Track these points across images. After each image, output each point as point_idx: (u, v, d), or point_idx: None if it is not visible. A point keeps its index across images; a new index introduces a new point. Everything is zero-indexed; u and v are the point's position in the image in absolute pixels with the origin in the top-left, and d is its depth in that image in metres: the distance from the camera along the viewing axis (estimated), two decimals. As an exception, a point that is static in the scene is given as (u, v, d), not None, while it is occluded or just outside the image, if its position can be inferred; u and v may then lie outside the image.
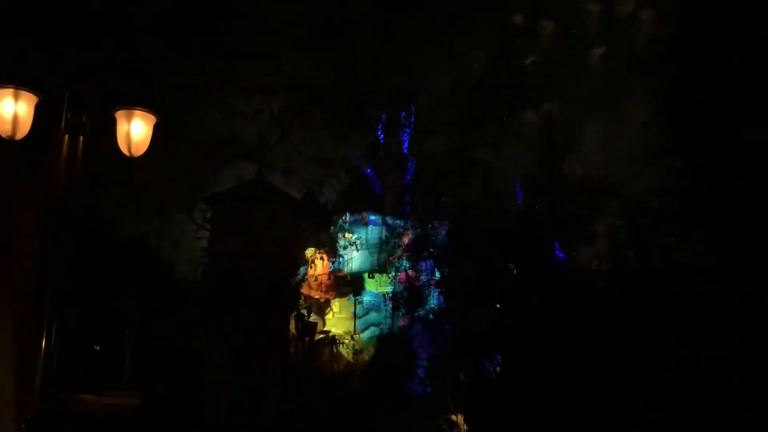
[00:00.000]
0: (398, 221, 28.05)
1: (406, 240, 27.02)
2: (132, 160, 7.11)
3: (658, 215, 21.39)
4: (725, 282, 18.84)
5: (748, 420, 16.74)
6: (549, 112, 26.47)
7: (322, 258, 28.10)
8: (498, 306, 23.33)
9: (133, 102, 7.03)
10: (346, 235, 28.25)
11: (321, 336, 27.29)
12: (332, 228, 28.21)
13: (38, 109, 6.64)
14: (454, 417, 22.98)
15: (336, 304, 29.62)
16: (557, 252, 25.24)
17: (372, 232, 29.68)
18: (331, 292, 28.78)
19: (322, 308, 28.53)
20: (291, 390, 16.88)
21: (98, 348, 26.99)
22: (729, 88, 17.66)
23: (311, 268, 28.53)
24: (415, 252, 25.66)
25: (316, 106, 13.92)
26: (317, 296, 28.67)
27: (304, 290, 27.80)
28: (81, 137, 6.70)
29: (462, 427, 22.89)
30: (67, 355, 6.60)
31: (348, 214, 28.53)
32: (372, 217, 29.10)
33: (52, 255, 6.29)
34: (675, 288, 20.14)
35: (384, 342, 25.40)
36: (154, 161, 9.23)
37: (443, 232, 25.36)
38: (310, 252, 28.25)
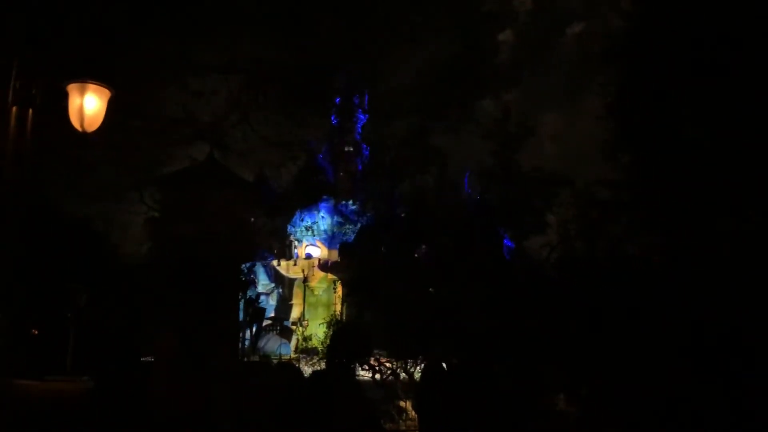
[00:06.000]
0: (352, 207, 27.97)
1: (358, 226, 26.95)
2: (82, 136, 6.86)
3: (607, 207, 21.78)
4: (668, 275, 19.34)
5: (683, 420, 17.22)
6: (507, 102, 26.69)
7: None
8: (449, 294, 23.47)
9: (87, 75, 6.75)
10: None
11: (269, 322, 27.04)
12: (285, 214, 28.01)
13: (-17, 79, 6.30)
14: (402, 403, 23.07)
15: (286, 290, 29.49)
16: (506, 240, 25.56)
17: (325, 218, 29.46)
18: None
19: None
20: (242, 376, 16.63)
21: (36, 332, 26.02)
22: (681, 85, 18.05)
23: None
24: (367, 238, 25.59)
25: (275, 87, 13.62)
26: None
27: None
28: (30, 110, 6.41)
29: (410, 412, 23.01)
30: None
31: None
32: (324, 204, 28.95)
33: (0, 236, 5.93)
34: (621, 278, 20.57)
35: (334, 328, 25.31)
36: (105, 138, 8.87)
37: (397, 220, 25.36)
38: None
